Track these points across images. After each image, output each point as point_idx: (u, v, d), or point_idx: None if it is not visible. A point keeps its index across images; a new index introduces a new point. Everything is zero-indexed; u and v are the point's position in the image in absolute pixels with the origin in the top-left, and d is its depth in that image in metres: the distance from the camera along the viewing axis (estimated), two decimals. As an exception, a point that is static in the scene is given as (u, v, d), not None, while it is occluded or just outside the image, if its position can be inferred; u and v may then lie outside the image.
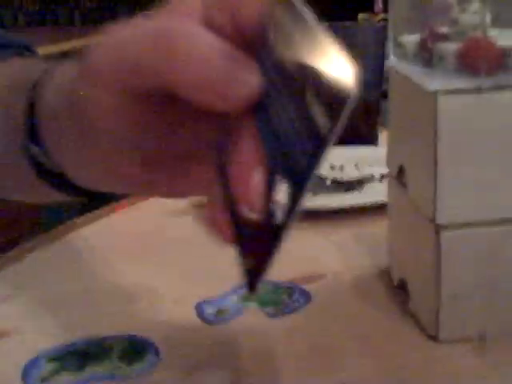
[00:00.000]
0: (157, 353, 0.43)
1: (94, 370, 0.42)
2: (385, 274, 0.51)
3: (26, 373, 0.42)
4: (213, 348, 0.44)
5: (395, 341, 0.44)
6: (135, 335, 0.45)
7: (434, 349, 0.43)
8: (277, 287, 0.51)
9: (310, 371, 0.42)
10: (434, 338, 0.44)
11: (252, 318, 0.48)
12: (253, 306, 0.49)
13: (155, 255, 0.58)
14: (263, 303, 0.49)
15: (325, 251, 0.57)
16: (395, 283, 0.49)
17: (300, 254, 0.54)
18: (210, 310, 0.48)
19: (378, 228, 0.55)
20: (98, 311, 0.49)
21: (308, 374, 0.42)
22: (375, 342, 0.45)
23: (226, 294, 0.50)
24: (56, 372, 0.42)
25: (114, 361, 0.43)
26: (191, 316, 0.48)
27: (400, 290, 0.48)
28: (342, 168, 0.72)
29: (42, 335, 0.46)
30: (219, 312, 0.48)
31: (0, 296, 0.52)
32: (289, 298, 0.49)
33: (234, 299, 0.49)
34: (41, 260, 0.59)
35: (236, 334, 0.46)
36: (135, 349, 0.44)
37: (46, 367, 0.42)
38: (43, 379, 0.41)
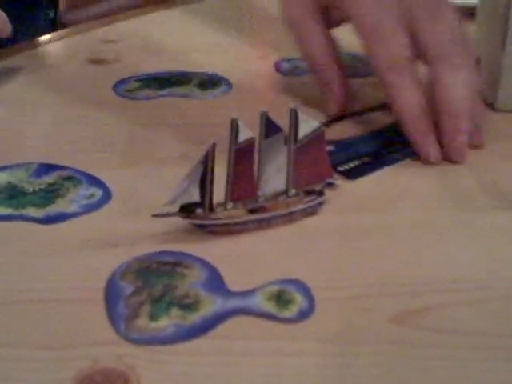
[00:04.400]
0: (229, 86, 0.48)
1: (173, 89, 0.48)
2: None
3: (116, 87, 0.48)
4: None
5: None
6: (216, 73, 0.50)
7: (492, 116, 0.45)
8: (355, 57, 0.53)
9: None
10: (492, 106, 0.46)
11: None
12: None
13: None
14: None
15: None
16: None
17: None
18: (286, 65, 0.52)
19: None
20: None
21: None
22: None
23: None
24: (140, 88, 0.48)
25: (191, 86, 0.48)
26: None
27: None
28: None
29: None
30: (295, 68, 0.52)
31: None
32: (362, 64, 0.52)
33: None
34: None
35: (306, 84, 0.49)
36: (212, 81, 0.49)
37: (133, 84, 0.49)
38: (130, 91, 0.48)
